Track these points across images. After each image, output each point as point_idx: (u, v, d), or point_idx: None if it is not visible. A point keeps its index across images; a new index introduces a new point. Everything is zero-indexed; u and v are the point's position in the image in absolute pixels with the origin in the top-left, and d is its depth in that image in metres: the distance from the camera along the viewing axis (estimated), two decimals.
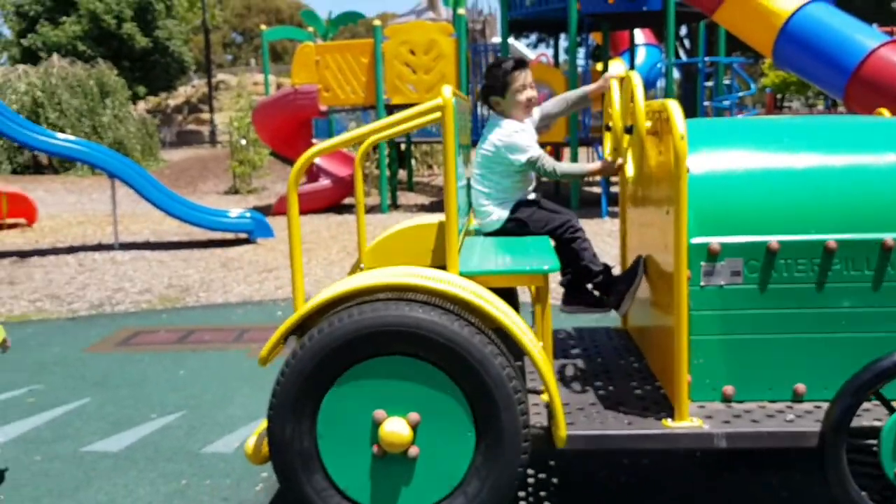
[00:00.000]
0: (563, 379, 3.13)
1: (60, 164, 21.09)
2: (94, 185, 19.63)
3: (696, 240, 2.73)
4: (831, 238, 2.68)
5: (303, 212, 13.60)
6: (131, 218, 13.63)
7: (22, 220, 12.72)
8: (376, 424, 2.41)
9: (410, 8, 27.38)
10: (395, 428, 2.38)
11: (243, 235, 10.61)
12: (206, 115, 34.44)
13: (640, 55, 16.97)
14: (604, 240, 9.72)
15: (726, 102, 12.17)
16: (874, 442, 2.46)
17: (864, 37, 8.47)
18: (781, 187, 2.78)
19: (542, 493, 3.19)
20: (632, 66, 15.21)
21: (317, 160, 14.41)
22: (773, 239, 2.70)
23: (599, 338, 3.67)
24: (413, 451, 2.41)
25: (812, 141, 2.91)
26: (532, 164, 3.26)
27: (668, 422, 2.62)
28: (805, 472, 3.24)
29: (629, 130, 3.05)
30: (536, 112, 3.50)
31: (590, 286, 3.31)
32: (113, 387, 4.89)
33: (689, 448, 2.65)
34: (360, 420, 2.42)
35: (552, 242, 3.26)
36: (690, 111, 14.01)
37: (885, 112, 3.35)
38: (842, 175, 2.79)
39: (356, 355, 2.39)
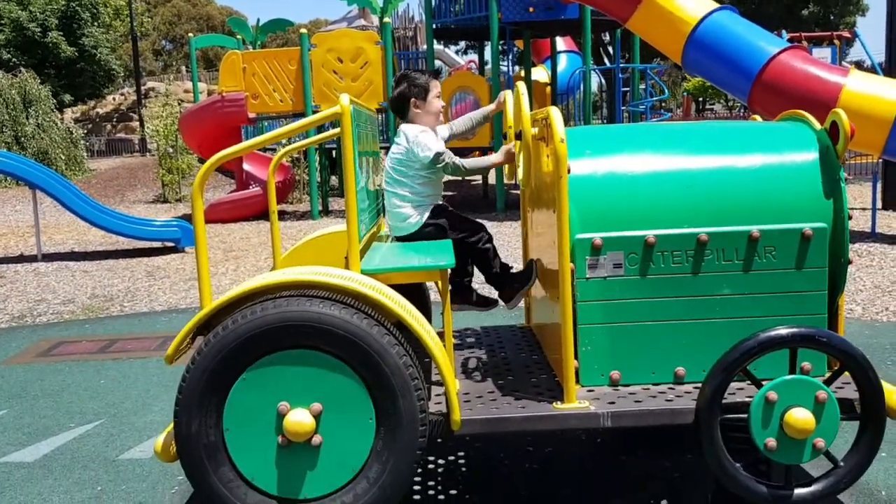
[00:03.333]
0: (466, 371, 3.30)
1: None
2: (18, 196, 19.16)
3: (581, 235, 2.94)
4: (703, 231, 2.91)
5: (234, 219, 13.62)
6: (55, 228, 13.39)
7: None
8: (281, 416, 2.53)
9: (342, 15, 27.37)
10: (299, 418, 2.52)
11: (171, 244, 10.54)
12: (135, 124, 33.81)
13: (562, 62, 17.39)
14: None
15: (641, 107, 12.59)
16: (744, 416, 2.69)
17: (767, 43, 8.92)
18: (657, 186, 3.02)
19: (453, 479, 3.36)
20: (553, 73, 15.62)
21: (247, 167, 14.40)
22: (651, 233, 2.92)
23: (504, 334, 3.86)
24: (316, 439, 2.54)
25: (686, 144, 3.16)
26: (438, 160, 3.40)
27: (558, 404, 2.81)
28: (696, 455, 3.48)
29: (518, 136, 3.24)
30: (446, 129, 3.69)
31: (476, 285, 3.52)
32: (31, 398, 4.88)
33: (578, 427, 2.84)
34: (265, 412, 2.54)
35: (457, 244, 3.45)
36: (612, 116, 14.48)
37: (758, 118, 3.63)
38: (712, 174, 3.04)
39: (260, 350, 2.52)
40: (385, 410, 2.55)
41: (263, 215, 13.78)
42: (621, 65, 13.89)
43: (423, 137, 3.43)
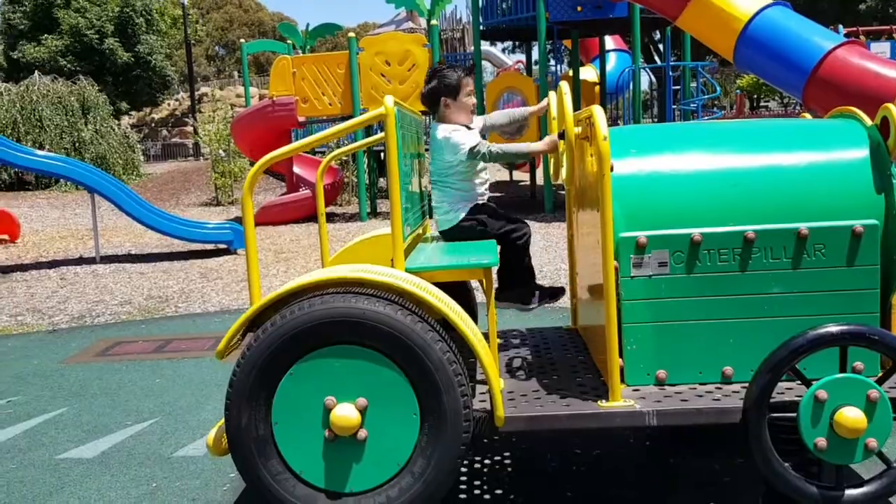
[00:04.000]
0: (510, 370, 3.32)
1: (44, 180, 21.17)
2: (78, 200, 19.73)
3: (625, 234, 2.93)
4: (750, 229, 2.88)
5: (284, 221, 13.83)
6: (113, 231, 13.76)
7: (5, 237, 12.82)
8: (327, 410, 2.58)
9: (390, 18, 27.59)
10: (345, 412, 2.56)
11: (223, 246, 10.76)
12: (189, 129, 34.58)
13: (611, 61, 17.26)
14: None
15: (693, 105, 12.43)
16: (793, 415, 2.65)
17: (821, 38, 8.74)
18: (703, 184, 2.99)
19: (500, 479, 3.38)
20: (602, 72, 15.51)
21: (297, 170, 14.61)
22: (697, 231, 2.90)
23: (549, 336, 3.87)
24: (362, 433, 2.59)
25: (732, 142, 3.13)
26: (474, 154, 3.42)
27: (603, 403, 2.81)
28: (746, 458, 3.43)
29: (561, 136, 3.25)
30: (480, 121, 3.71)
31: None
32: (90, 396, 5.04)
33: (623, 426, 2.83)
34: (312, 406, 2.60)
35: (499, 245, 3.48)
36: (663, 114, 14.32)
37: (808, 115, 3.57)
38: (759, 172, 3.00)
39: (307, 345, 2.58)
40: (429, 406, 2.58)
41: (313, 217, 13.96)
42: (672, 63, 13.73)
43: (456, 137, 3.45)
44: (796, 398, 2.67)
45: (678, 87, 13.88)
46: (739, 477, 3.32)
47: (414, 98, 12.94)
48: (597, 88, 16.19)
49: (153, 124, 38.17)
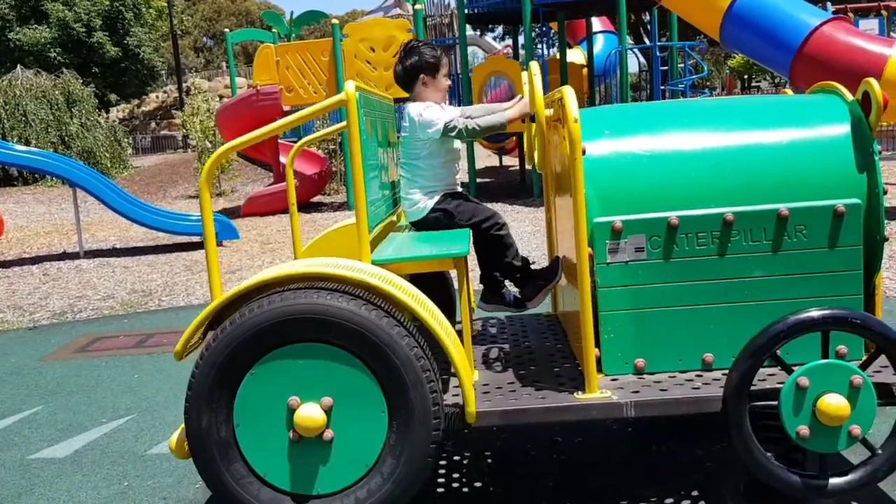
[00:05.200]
0: (487, 362, 3.22)
1: (30, 175, 20.97)
2: (64, 195, 19.54)
3: (600, 219, 2.83)
4: (729, 211, 2.78)
5: (271, 211, 13.67)
6: (99, 225, 13.62)
7: None
8: (291, 410, 2.49)
9: (378, 5, 27.32)
10: (309, 412, 2.47)
11: None
12: (178, 121, 34.31)
13: (599, 43, 17.12)
14: None
15: (681, 86, 12.31)
16: (774, 403, 2.56)
17: (807, 15, 8.63)
18: (680, 165, 2.89)
19: (478, 471, 3.29)
20: (590, 54, 15.37)
21: (284, 160, 14.44)
22: (674, 214, 2.80)
23: (529, 323, 3.77)
24: (328, 434, 2.49)
25: (709, 121, 3.02)
26: (449, 129, 3.29)
27: (579, 395, 2.72)
28: (729, 444, 3.35)
29: (532, 119, 3.14)
30: (457, 111, 3.58)
31: (507, 282, 3.41)
32: (66, 393, 4.94)
33: (600, 418, 2.74)
34: (276, 407, 2.50)
35: (472, 236, 3.37)
36: (653, 96, 14.19)
37: (789, 91, 3.47)
38: (737, 151, 2.90)
39: (268, 344, 2.47)
40: (397, 404, 2.48)
41: (301, 207, 13.84)
42: (660, 44, 13.59)
43: (428, 113, 3.33)
44: (777, 385, 2.58)
45: (666, 67, 13.74)
46: (722, 462, 3.24)
47: None
48: (584, 71, 16.04)
49: (142, 117, 37.90)
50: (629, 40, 17.13)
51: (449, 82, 3.50)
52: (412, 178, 3.39)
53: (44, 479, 3.67)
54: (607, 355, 2.88)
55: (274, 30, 17.87)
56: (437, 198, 3.37)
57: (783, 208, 2.76)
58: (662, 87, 13.61)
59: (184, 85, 34.26)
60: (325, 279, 2.55)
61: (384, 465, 2.50)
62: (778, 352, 2.56)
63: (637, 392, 2.72)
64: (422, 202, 3.37)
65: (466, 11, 13.79)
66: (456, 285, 3.74)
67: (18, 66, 21.86)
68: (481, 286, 3.45)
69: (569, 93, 2.70)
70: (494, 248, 3.36)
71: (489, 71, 13.17)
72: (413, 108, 3.37)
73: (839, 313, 2.50)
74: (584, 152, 2.69)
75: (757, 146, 2.90)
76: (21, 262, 10.47)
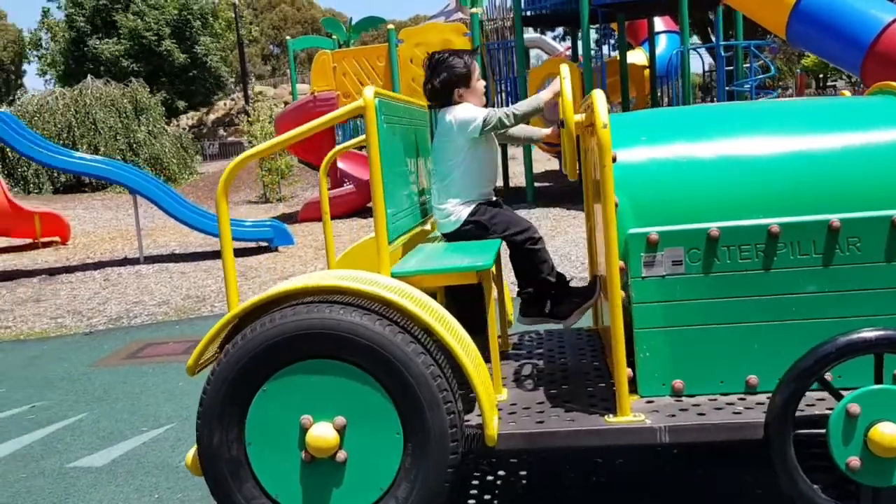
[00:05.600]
0: (518, 379, 3.08)
1: (100, 182, 21.59)
2: (131, 200, 20.05)
3: (634, 230, 2.66)
4: (774, 222, 2.59)
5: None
6: (161, 231, 13.89)
7: (56, 239, 13.05)
8: (304, 430, 2.39)
9: (439, 10, 27.31)
10: (322, 432, 2.37)
11: (264, 244, 10.72)
12: (244, 127, 34.96)
13: (662, 43, 16.72)
14: None
15: (746, 86, 11.90)
16: (822, 431, 2.36)
17: (879, 11, 8.20)
18: (721, 173, 2.70)
19: (513, 492, 3.15)
20: (652, 55, 15.02)
21: (341, 165, 14.52)
22: (714, 226, 2.61)
23: (568, 339, 3.61)
24: (341, 455, 2.39)
25: (755, 125, 2.82)
26: (488, 124, 3.16)
27: (610, 417, 2.56)
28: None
29: (562, 124, 2.98)
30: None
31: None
32: (111, 401, 4.97)
33: (632, 444, 2.57)
34: (288, 426, 2.41)
35: (508, 248, 3.24)
36: (720, 96, 13.78)
37: (847, 93, 3.24)
38: (785, 158, 2.70)
39: (279, 360, 2.39)
40: (412, 425, 2.36)
41: (358, 213, 13.88)
42: (725, 43, 13.17)
43: (462, 113, 3.21)
44: (826, 412, 2.38)
45: (732, 67, 13.32)
46: (773, 490, 3.02)
47: None
48: (646, 72, 15.68)
49: (210, 124, 38.77)
50: (695, 40, 16.71)
51: (483, 82, 3.37)
52: (445, 188, 3.27)
53: (78, 488, 3.67)
54: (643, 376, 2.71)
55: (334, 36, 18.00)
56: (471, 208, 3.24)
57: (834, 219, 2.55)
58: (728, 88, 13.19)
59: (250, 92, 34.91)
60: (340, 293, 2.45)
61: (399, 488, 2.39)
62: (827, 375, 2.36)
63: (673, 416, 2.54)
64: (455, 214, 3.24)
65: (525, 13, 13.63)
66: (504, 295, 3.62)
67: (89, 75, 22.59)
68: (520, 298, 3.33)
69: (599, 96, 2.54)
70: (529, 262, 3.23)
71: (546, 74, 12.97)
72: (448, 113, 3.26)
73: (893, 334, 2.28)
74: (614, 159, 2.53)
75: (806, 152, 2.70)
76: (84, 267, 10.72)
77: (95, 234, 14.39)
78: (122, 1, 27.74)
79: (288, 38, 18.62)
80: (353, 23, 17.82)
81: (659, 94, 15.30)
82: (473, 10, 13.30)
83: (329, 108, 13.27)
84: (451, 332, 2.44)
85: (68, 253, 12.25)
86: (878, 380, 2.33)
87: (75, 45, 28.06)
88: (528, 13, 13.68)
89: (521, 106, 3.23)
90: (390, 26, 13.10)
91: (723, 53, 13.26)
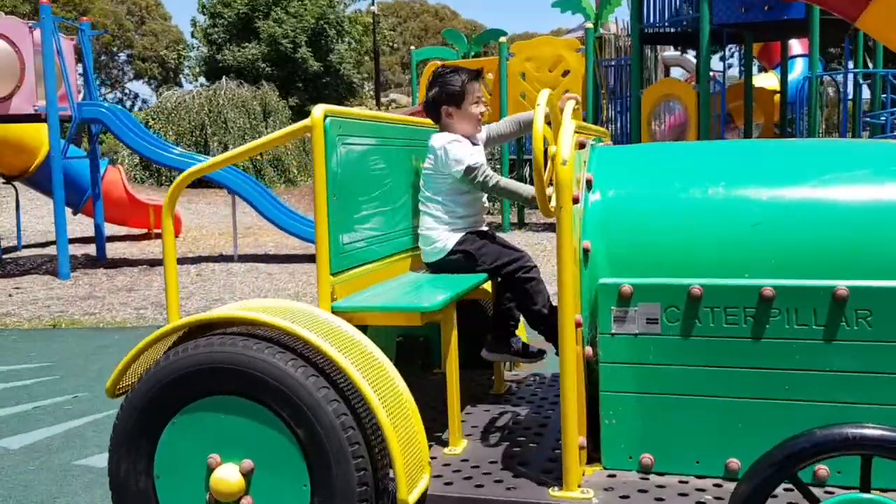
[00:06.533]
0: (488, 430, 2.81)
1: None
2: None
3: (606, 280, 2.34)
4: (768, 283, 2.20)
5: None
6: (263, 231, 14.23)
7: None
8: (210, 470, 2.23)
9: (578, 24, 26.89)
10: (227, 475, 2.20)
11: None
12: None
13: (798, 67, 15.68)
14: None
15: (882, 118, 10.89)
16: None
17: None
18: (711, 221, 2.34)
19: None
20: (783, 79, 14.09)
21: None
22: (697, 282, 2.26)
23: (548, 382, 3.31)
24: (246, 501, 2.21)
25: (758, 168, 2.43)
26: (470, 175, 2.96)
27: (555, 491, 2.25)
28: None
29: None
30: (483, 131, 3.22)
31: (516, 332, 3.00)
32: None
33: None
34: (196, 463, 2.25)
35: (498, 280, 2.98)
36: (843, 131, 12.75)
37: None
38: (787, 208, 2.30)
39: (190, 393, 2.24)
40: (320, 478, 2.15)
41: None
42: (857, 70, 12.15)
43: (455, 149, 2.98)
44: None
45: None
46: None
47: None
48: (776, 98, 14.72)
49: None
50: (823, 65, 15.58)
51: (481, 110, 3.12)
52: (431, 214, 3.05)
53: (74, 488, 3.67)
54: (607, 445, 2.38)
55: (455, 48, 18.00)
56: (458, 237, 3.00)
57: (841, 286, 2.14)
58: (866, 119, 12.14)
59: (383, 100, 35.61)
60: (259, 325, 2.27)
61: None
62: (822, 468, 1.98)
63: (626, 498, 2.21)
64: (440, 242, 3.01)
65: (646, 31, 13.10)
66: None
67: (224, 77, 23.67)
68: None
69: (566, 129, 2.25)
70: (522, 294, 2.95)
71: (661, 94, 12.38)
72: (437, 140, 3.05)
73: (882, 435, 1.86)
74: (575, 200, 2.23)
75: (815, 203, 2.29)
76: (183, 260, 11.11)
77: (207, 230, 14.97)
78: (262, 9, 28.96)
79: (412, 48, 18.79)
80: (476, 35, 17.75)
81: (790, 120, 14.32)
82: (588, 24, 12.90)
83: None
84: (374, 380, 2.21)
85: (176, 246, 12.75)
86: (865, 486, 1.92)
87: (214, 52, 29.55)
88: (648, 31, 13.12)
89: (509, 184, 3.03)
90: (503, 39, 12.91)
91: (861, 81, 12.23)
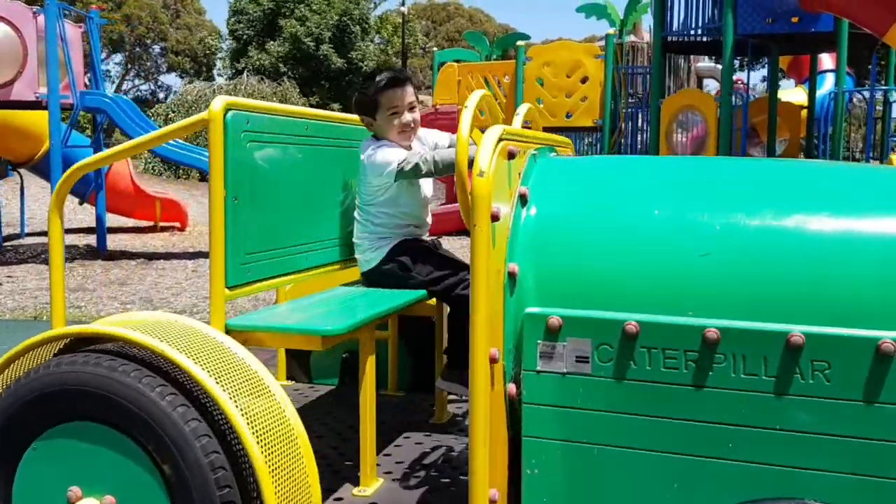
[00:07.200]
0: (413, 469, 2.53)
1: None
2: None
3: (532, 309, 2.05)
4: (713, 324, 1.90)
5: (437, 233, 13.46)
6: None
7: (176, 224, 13.52)
8: (69, 503, 1.97)
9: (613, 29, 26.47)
10: None
11: None
12: None
13: (828, 82, 15.19)
14: None
15: None
16: None
17: None
18: (653, 249, 2.04)
19: None
20: (811, 94, 13.64)
21: None
22: (634, 317, 1.96)
23: None
24: None
25: (712, 191, 2.13)
26: (403, 171, 2.69)
27: None
28: None
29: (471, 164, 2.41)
30: (422, 143, 2.95)
31: None
32: None
33: None
34: (56, 495, 2.00)
35: (436, 299, 2.71)
36: (867, 149, 12.29)
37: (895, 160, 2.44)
38: (743, 238, 1.99)
39: (50, 415, 1.98)
40: None
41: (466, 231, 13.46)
42: (882, 88, 11.69)
43: (379, 155, 2.73)
44: None
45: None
46: None
47: (581, 112, 12.09)
48: (803, 113, 14.25)
49: None
50: (854, 81, 15.14)
51: (402, 120, 2.83)
52: (363, 223, 2.80)
53: None
54: (529, 498, 2.09)
55: (477, 50, 17.74)
56: (390, 246, 2.74)
57: (796, 332, 1.83)
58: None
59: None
60: (135, 344, 2.01)
61: None
62: None
63: None
64: (370, 251, 2.76)
65: (670, 39, 12.72)
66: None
67: (245, 72, 23.62)
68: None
69: (487, 137, 1.97)
70: (463, 312, 2.67)
71: (681, 105, 11.98)
72: (363, 146, 2.80)
73: None
74: (495, 218, 1.95)
75: (774, 233, 1.98)
76: (182, 255, 10.96)
77: None
78: (288, 6, 28.93)
79: (434, 49, 18.55)
80: (497, 38, 17.47)
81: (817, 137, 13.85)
82: (609, 31, 12.57)
83: (449, 121, 12.94)
84: (257, 413, 1.94)
85: (179, 239, 12.62)
86: None
87: (239, 49, 29.61)
88: (672, 39, 12.74)
89: (443, 154, 2.70)
90: (520, 43, 12.62)
91: (892, 99, 11.74)
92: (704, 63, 19.65)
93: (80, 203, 12.20)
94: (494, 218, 1.93)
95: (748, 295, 1.93)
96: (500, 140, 2.01)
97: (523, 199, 2.17)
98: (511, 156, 2.08)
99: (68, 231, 12.65)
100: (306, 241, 2.60)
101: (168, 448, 1.88)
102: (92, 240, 11.86)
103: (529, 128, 3.03)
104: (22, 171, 11.92)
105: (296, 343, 2.23)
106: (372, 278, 2.77)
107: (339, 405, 2.81)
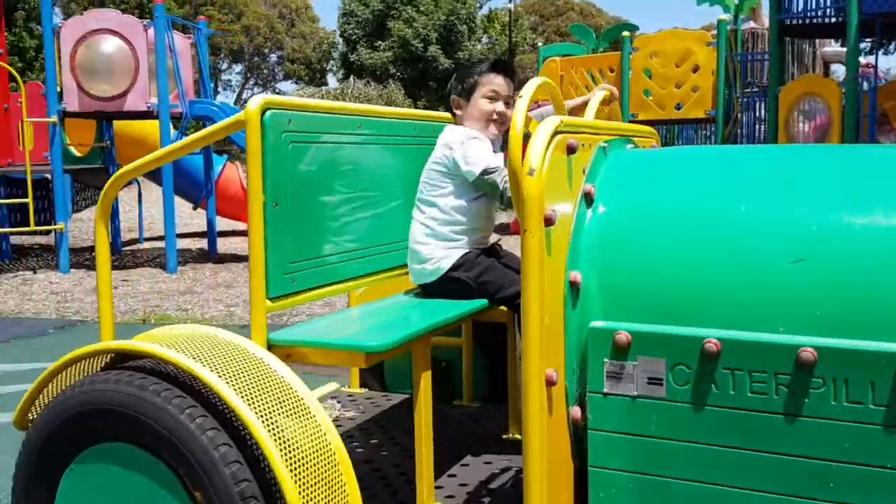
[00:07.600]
0: (471, 492, 2.33)
1: None
2: None
3: (598, 323, 1.82)
4: (810, 342, 1.61)
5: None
6: None
7: None
8: None
9: (728, 17, 25.39)
10: None
11: None
12: None
13: None
14: None
15: None
16: None
17: None
18: (738, 255, 1.76)
19: None
20: None
21: None
22: (714, 334, 1.69)
23: None
24: None
25: (809, 186, 1.82)
26: (484, 179, 2.48)
27: None
28: None
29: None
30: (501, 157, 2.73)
31: None
32: None
33: None
34: None
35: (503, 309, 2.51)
36: None
37: None
38: (840, 243, 1.68)
39: (85, 436, 1.91)
40: None
41: None
42: None
43: (473, 146, 2.51)
44: None
45: None
46: None
47: (692, 103, 11.53)
48: None
49: None
50: None
51: (492, 107, 2.63)
52: (424, 224, 2.58)
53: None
54: None
55: (583, 43, 17.28)
56: (455, 257, 2.53)
57: None
58: None
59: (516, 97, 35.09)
60: (167, 362, 1.90)
61: None
62: None
63: None
64: (433, 261, 2.54)
65: (788, 22, 11.96)
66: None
67: (352, 76, 23.94)
68: None
69: (542, 129, 1.75)
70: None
71: (801, 92, 11.23)
72: (453, 134, 2.59)
73: None
74: (549, 222, 1.72)
75: (885, 233, 1.67)
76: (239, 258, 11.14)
77: None
78: (397, 8, 29.17)
79: (539, 44, 18.22)
80: (605, 30, 16.97)
81: None
82: (722, 16, 11.92)
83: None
84: (294, 437, 1.79)
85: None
86: None
87: (349, 51, 30.06)
88: (790, 22, 11.97)
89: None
90: (625, 33, 12.15)
91: None
92: (831, 47, 18.46)
93: (194, 208, 12.60)
94: (548, 222, 1.71)
95: (851, 308, 1.63)
96: (557, 133, 1.79)
97: (588, 199, 1.94)
98: (571, 150, 1.85)
99: (183, 235, 13.12)
100: (361, 247, 2.44)
101: (198, 474, 1.76)
102: (204, 243, 12.24)
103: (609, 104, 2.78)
104: (140, 178, 12.42)
105: (339, 360, 2.07)
106: (432, 290, 2.56)
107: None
